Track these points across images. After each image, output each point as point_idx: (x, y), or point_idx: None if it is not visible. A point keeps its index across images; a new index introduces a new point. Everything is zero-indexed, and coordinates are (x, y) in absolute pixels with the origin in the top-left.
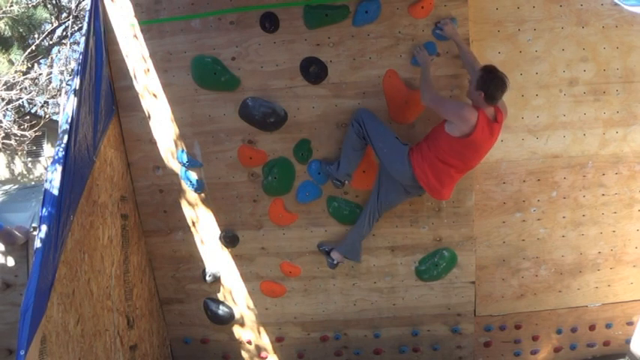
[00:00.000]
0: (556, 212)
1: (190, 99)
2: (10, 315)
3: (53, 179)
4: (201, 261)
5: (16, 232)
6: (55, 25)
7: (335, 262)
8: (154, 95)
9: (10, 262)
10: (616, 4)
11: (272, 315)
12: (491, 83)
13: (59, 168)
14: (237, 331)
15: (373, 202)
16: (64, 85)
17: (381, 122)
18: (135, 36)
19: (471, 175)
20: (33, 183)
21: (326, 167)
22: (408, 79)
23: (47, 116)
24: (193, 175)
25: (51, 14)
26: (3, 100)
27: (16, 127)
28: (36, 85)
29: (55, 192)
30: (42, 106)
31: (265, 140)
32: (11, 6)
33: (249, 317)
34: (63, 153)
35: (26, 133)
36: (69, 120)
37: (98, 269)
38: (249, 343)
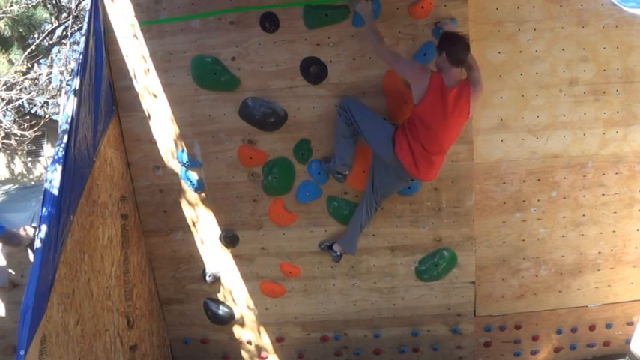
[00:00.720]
0: (556, 212)
1: (190, 99)
2: (18, 314)
3: (53, 179)
4: (201, 261)
5: (21, 233)
6: (55, 25)
7: (339, 253)
8: (154, 95)
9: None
10: (615, 5)
11: (272, 315)
12: (449, 40)
13: (59, 168)
14: (237, 331)
15: (369, 192)
16: (64, 85)
17: (367, 107)
18: (135, 36)
19: (471, 175)
20: (33, 183)
21: (325, 165)
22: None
23: (47, 116)
24: (193, 175)
25: (51, 14)
26: (3, 100)
27: (16, 127)
28: (36, 85)
29: (55, 192)
30: (42, 106)
31: (265, 140)
32: (11, 6)
33: (249, 317)
34: (63, 153)
35: (26, 133)
36: (69, 120)
37: (98, 269)
38: (249, 343)
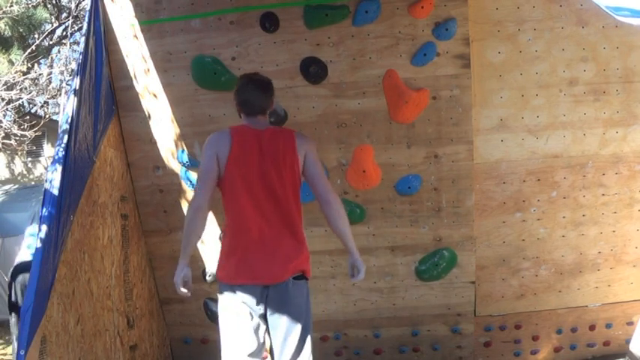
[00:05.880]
0: (556, 212)
1: (190, 99)
2: None
3: (53, 179)
4: (201, 261)
5: None
6: (55, 25)
7: None
8: (154, 95)
9: None
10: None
11: None
12: (237, 88)
13: (59, 168)
14: None
15: None
16: (64, 85)
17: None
18: (135, 36)
19: (471, 175)
20: (33, 183)
21: None
22: (408, 79)
23: (47, 116)
24: (193, 175)
25: (51, 14)
26: (3, 100)
27: (16, 127)
28: (36, 85)
29: (55, 192)
30: (42, 106)
31: None
32: (11, 6)
33: None
34: (63, 153)
35: (26, 133)
36: (69, 120)
37: (98, 269)
38: None
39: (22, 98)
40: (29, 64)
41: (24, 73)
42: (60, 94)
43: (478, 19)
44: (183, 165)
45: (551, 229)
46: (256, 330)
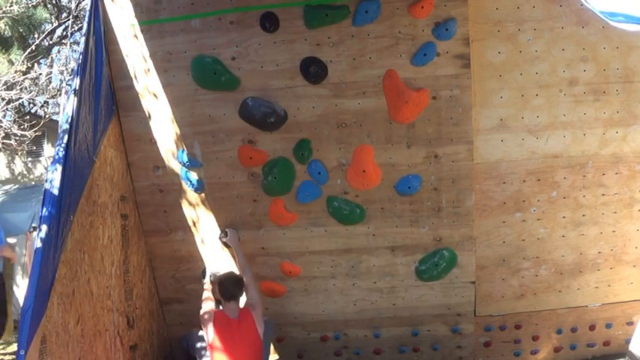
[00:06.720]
0: (556, 212)
1: (190, 99)
2: None
3: (53, 179)
4: (201, 261)
5: None
6: (55, 25)
7: None
8: (154, 95)
9: None
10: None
11: (272, 315)
12: (220, 280)
13: (59, 168)
14: None
15: None
16: (64, 85)
17: None
18: (135, 36)
19: (471, 175)
20: (33, 183)
21: None
22: (408, 79)
23: (47, 116)
24: (193, 175)
25: (51, 14)
26: (3, 100)
27: (16, 127)
28: (36, 85)
29: (55, 192)
30: (42, 106)
31: (265, 140)
32: (11, 6)
33: None
34: (63, 153)
35: (26, 133)
36: (69, 120)
37: (98, 269)
38: None
39: (22, 98)
40: (29, 64)
41: (24, 73)
42: (60, 94)
43: (478, 19)
44: (184, 165)
45: (551, 229)
46: None
